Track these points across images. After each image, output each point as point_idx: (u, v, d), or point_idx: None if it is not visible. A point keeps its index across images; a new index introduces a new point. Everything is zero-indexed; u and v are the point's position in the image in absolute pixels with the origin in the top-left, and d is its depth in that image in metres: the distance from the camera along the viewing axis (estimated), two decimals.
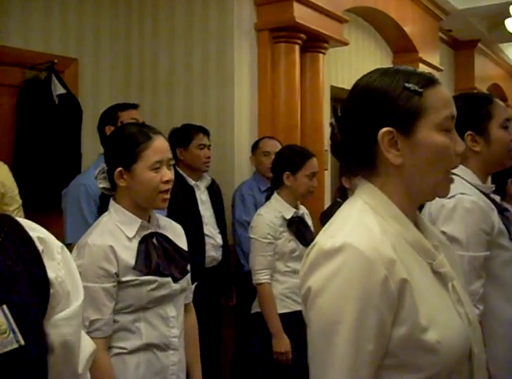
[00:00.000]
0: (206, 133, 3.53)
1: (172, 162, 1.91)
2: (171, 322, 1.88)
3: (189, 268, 2.00)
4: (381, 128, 1.09)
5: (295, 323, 2.83)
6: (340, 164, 3.92)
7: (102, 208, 1.94)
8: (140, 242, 1.84)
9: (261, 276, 2.86)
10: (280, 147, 3.46)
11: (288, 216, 2.90)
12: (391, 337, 1.01)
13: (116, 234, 1.83)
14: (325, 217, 3.56)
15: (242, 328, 3.61)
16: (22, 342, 0.76)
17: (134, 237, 1.84)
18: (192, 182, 3.47)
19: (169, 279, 1.86)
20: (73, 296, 0.90)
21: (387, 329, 1.01)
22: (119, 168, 1.83)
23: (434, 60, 6.48)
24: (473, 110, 1.89)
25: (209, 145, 3.53)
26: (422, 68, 5.52)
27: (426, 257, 1.12)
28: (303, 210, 3.04)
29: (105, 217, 1.89)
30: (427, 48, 6.30)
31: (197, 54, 4.05)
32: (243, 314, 3.42)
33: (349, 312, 0.99)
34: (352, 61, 5.50)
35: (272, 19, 4.00)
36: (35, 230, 0.89)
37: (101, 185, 1.92)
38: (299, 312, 2.80)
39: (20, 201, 3.01)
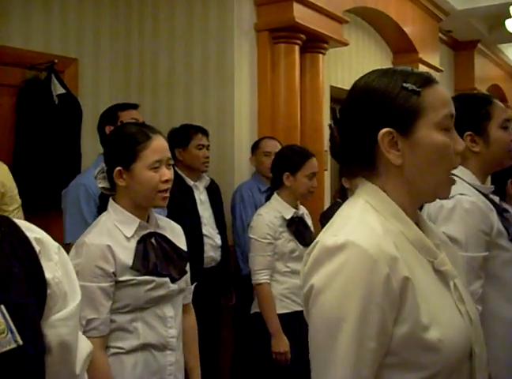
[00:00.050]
0: (205, 133, 3.53)
1: (171, 162, 1.91)
2: (169, 322, 1.88)
3: (187, 268, 2.00)
4: (380, 128, 1.09)
5: (294, 323, 2.83)
6: (340, 165, 3.93)
7: (101, 208, 1.94)
8: (138, 242, 1.84)
9: (260, 276, 2.86)
10: (280, 147, 3.46)
11: (288, 216, 2.90)
12: (393, 335, 1.01)
13: (114, 233, 1.83)
14: (325, 218, 3.55)
15: (241, 329, 3.61)
16: (20, 342, 0.76)
17: (133, 236, 1.84)
18: (191, 183, 3.47)
19: (167, 279, 1.86)
20: (70, 297, 0.90)
21: (389, 327, 1.01)
22: (118, 168, 1.83)
23: (434, 61, 6.49)
24: (472, 111, 1.89)
25: (208, 145, 3.53)
26: (422, 68, 5.52)
27: (427, 256, 1.12)
28: (302, 210, 3.04)
29: (104, 216, 1.89)
30: (427, 49, 6.31)
31: (197, 54, 4.05)
32: (243, 315, 3.42)
33: (352, 309, 0.99)
34: (351, 62, 5.51)
35: (272, 19, 4.00)
36: (32, 231, 0.89)
37: (100, 185, 1.92)
38: (299, 312, 2.84)
39: (20, 201, 3.02)
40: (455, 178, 1.16)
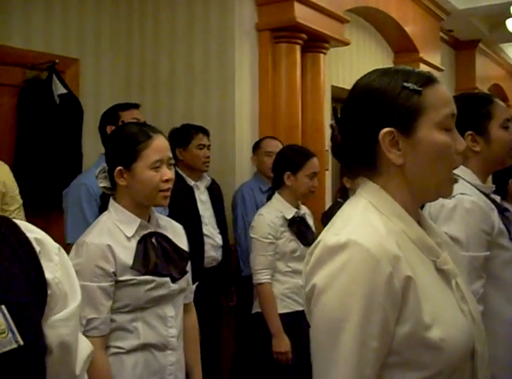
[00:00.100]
0: (206, 133, 3.54)
1: (172, 161, 1.91)
2: (170, 322, 1.88)
3: (188, 268, 2.00)
4: (381, 128, 1.09)
5: (295, 323, 2.83)
6: (340, 164, 3.93)
7: (103, 208, 1.94)
8: (139, 242, 1.84)
9: (261, 276, 2.86)
10: (281, 147, 3.46)
11: (289, 216, 2.90)
12: (395, 335, 1.01)
13: (115, 233, 1.83)
14: (326, 217, 3.55)
15: (242, 329, 3.61)
16: (21, 342, 0.76)
17: (133, 236, 1.85)
18: (192, 183, 3.47)
19: (167, 279, 1.86)
20: (71, 297, 0.90)
21: (391, 327, 1.01)
22: (119, 167, 1.83)
23: (435, 60, 6.49)
24: (473, 110, 1.89)
25: (209, 145, 3.53)
26: (423, 68, 5.51)
27: (429, 255, 1.11)
28: (304, 210, 3.03)
29: (104, 216, 1.89)
30: (428, 48, 6.31)
31: (198, 54, 4.05)
32: (244, 314, 3.42)
33: (355, 309, 0.99)
34: (352, 62, 5.51)
35: (273, 19, 4.00)
36: (32, 232, 0.89)
37: (102, 185, 1.92)
38: (300, 312, 2.83)
39: (21, 201, 3.02)
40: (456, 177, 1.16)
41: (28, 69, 3.68)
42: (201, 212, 3.43)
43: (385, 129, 1.09)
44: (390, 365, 1.03)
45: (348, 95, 1.18)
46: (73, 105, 3.80)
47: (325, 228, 1.14)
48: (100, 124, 2.92)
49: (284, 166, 2.93)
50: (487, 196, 1.90)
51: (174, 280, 1.88)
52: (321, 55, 4.44)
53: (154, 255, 1.84)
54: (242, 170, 3.93)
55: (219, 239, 3.52)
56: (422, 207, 1.92)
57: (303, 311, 1.18)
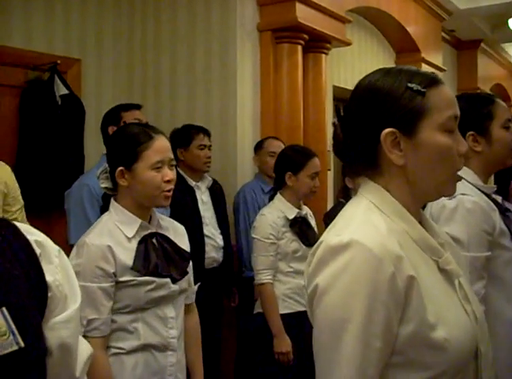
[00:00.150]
0: (207, 133, 3.54)
1: (174, 162, 1.91)
2: (170, 323, 1.88)
3: (190, 268, 2.00)
4: (383, 128, 1.09)
5: (297, 323, 2.84)
6: (342, 164, 3.94)
7: (104, 208, 1.94)
8: (139, 242, 1.84)
9: (263, 276, 2.86)
10: (283, 147, 3.46)
11: (291, 217, 2.90)
12: (398, 335, 1.01)
13: (115, 233, 1.83)
14: (328, 218, 3.55)
15: (244, 329, 3.61)
16: (22, 344, 0.76)
17: (134, 237, 1.84)
18: (193, 183, 3.47)
19: (168, 279, 1.86)
20: (71, 299, 0.90)
21: (394, 327, 1.00)
22: (120, 167, 1.83)
23: (437, 60, 6.48)
24: (475, 111, 1.89)
25: (210, 145, 3.53)
26: (425, 68, 5.51)
27: (432, 255, 1.11)
28: (306, 210, 3.03)
29: (105, 217, 1.89)
30: (430, 48, 6.30)
31: (200, 54, 4.06)
32: (245, 315, 3.43)
33: (357, 309, 0.99)
34: (354, 62, 5.50)
35: (275, 19, 4.01)
36: (33, 234, 0.89)
37: (103, 185, 1.92)
38: (301, 312, 2.83)
39: (23, 202, 3.02)
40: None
41: (30, 70, 3.68)
42: (202, 213, 3.43)
43: (387, 130, 1.08)
44: (394, 365, 1.03)
45: (351, 94, 1.17)
46: (74, 105, 3.81)
47: (327, 228, 1.14)
48: (102, 124, 2.92)
49: (285, 166, 2.93)
50: (488, 196, 1.90)
51: (174, 281, 1.88)
52: (323, 55, 4.44)
53: (154, 256, 1.84)
54: (243, 171, 3.93)
55: (220, 240, 3.52)
56: (423, 207, 1.93)
57: (304, 311, 1.18)
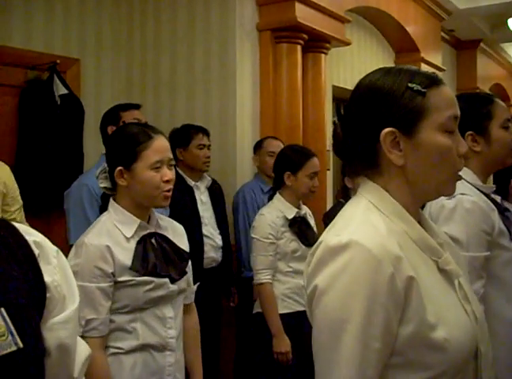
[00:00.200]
0: (206, 133, 3.54)
1: (173, 162, 1.90)
2: (169, 323, 1.88)
3: (189, 268, 1.99)
4: (383, 128, 1.08)
5: (296, 323, 2.84)
6: (342, 164, 3.93)
7: (103, 208, 1.94)
8: (138, 242, 1.84)
9: (262, 276, 2.86)
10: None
11: (290, 216, 2.90)
12: (398, 335, 1.01)
13: (114, 233, 1.83)
14: (328, 218, 3.55)
15: (243, 329, 3.61)
16: (20, 344, 0.76)
17: (132, 237, 1.84)
18: (192, 183, 3.47)
19: (166, 279, 1.86)
20: (69, 300, 0.90)
21: (394, 327, 1.00)
22: (119, 167, 1.83)
23: (437, 60, 6.48)
24: (474, 110, 1.89)
25: (209, 145, 3.53)
26: (424, 68, 5.52)
27: (431, 255, 1.11)
28: (305, 210, 3.03)
29: (104, 216, 1.89)
30: (429, 48, 6.31)
31: (199, 54, 4.06)
32: (244, 315, 3.43)
33: (356, 309, 0.99)
34: (354, 61, 5.50)
35: (274, 19, 4.01)
36: (31, 235, 0.89)
37: (102, 185, 1.92)
38: (301, 312, 2.83)
39: (21, 202, 3.02)
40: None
41: (29, 70, 3.68)
42: (201, 213, 3.43)
43: (387, 129, 1.08)
44: (393, 365, 1.02)
45: (352, 93, 1.17)
46: (74, 105, 3.81)
47: (327, 229, 1.14)
48: (101, 124, 2.92)
49: (284, 166, 2.93)
50: (487, 196, 1.90)
51: (173, 281, 1.88)
52: (322, 55, 4.44)
53: (153, 256, 1.84)
54: (243, 171, 3.93)
55: (219, 240, 3.52)
56: (422, 207, 1.93)
57: (304, 311, 1.18)
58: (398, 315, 1.01)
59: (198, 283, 2.14)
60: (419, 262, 1.07)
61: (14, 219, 2.87)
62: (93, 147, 3.77)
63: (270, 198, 3.05)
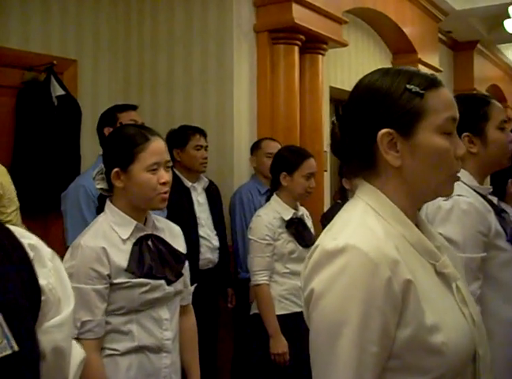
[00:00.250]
0: (203, 133, 3.54)
1: (170, 164, 1.90)
2: (165, 325, 1.87)
3: (185, 270, 1.99)
4: (381, 128, 1.08)
5: (293, 324, 2.83)
6: (339, 165, 3.94)
7: (100, 209, 1.94)
8: (134, 244, 1.83)
9: (259, 277, 2.86)
10: None
11: (287, 217, 2.89)
12: (396, 339, 1.00)
13: (110, 235, 1.82)
14: (325, 219, 3.55)
15: (240, 330, 3.61)
16: (16, 348, 0.76)
17: (129, 238, 1.84)
18: (189, 184, 3.47)
19: (162, 281, 1.85)
20: (64, 303, 0.90)
21: (391, 331, 1.00)
22: (116, 169, 1.82)
23: (434, 61, 6.49)
24: (470, 112, 1.89)
25: (206, 146, 3.53)
26: (421, 69, 5.53)
27: (429, 258, 1.11)
28: (302, 211, 3.03)
29: (100, 218, 1.88)
30: (426, 49, 6.31)
31: (197, 55, 4.06)
32: (242, 316, 3.42)
33: (353, 313, 0.98)
34: (351, 63, 5.51)
35: (272, 20, 4.01)
36: (26, 237, 0.89)
37: (99, 186, 1.92)
38: (298, 313, 2.83)
39: (18, 204, 3.01)
40: None
41: (26, 71, 3.67)
42: (197, 214, 3.43)
43: (384, 130, 1.08)
44: (391, 369, 1.02)
45: (350, 93, 1.17)
46: (71, 106, 3.80)
47: (324, 231, 1.14)
48: (98, 126, 2.92)
49: (280, 166, 2.93)
50: (484, 197, 1.90)
51: (169, 283, 1.87)
52: (320, 56, 4.44)
53: (149, 257, 1.83)
54: (240, 172, 3.93)
55: (215, 241, 3.51)
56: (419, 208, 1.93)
57: (301, 312, 1.17)
58: (396, 318, 1.00)
59: (195, 285, 2.14)
60: (416, 265, 1.07)
61: (10, 221, 2.86)
62: (90, 148, 3.76)
63: (267, 200, 3.04)
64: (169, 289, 1.88)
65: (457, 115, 1.12)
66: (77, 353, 0.94)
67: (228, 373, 3.75)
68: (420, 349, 1.01)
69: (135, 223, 1.86)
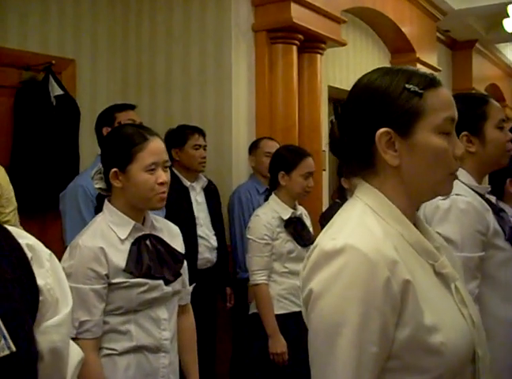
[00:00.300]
0: (202, 133, 3.53)
1: (168, 164, 1.90)
2: (163, 325, 1.87)
3: (184, 269, 1.98)
4: (379, 128, 1.08)
5: (292, 324, 2.83)
6: (338, 165, 3.93)
7: (98, 209, 1.94)
8: (132, 244, 1.83)
9: (257, 277, 2.86)
10: None
11: (286, 217, 2.89)
12: (394, 339, 1.00)
13: (108, 235, 1.82)
14: (324, 219, 3.55)
15: (239, 330, 3.61)
16: (13, 348, 0.76)
17: (127, 238, 1.84)
18: (187, 183, 3.47)
19: (160, 281, 1.85)
20: (62, 303, 0.90)
21: (390, 331, 1.00)
22: (114, 169, 1.82)
23: (432, 60, 6.49)
24: (469, 111, 1.89)
25: (205, 146, 3.53)
26: (420, 68, 5.52)
27: (428, 258, 1.11)
28: (301, 210, 3.03)
29: (99, 218, 1.88)
30: (425, 48, 6.31)
31: (195, 54, 4.05)
32: (240, 316, 3.42)
33: (352, 314, 0.98)
34: (349, 62, 5.51)
35: (270, 19, 4.00)
36: (24, 238, 0.89)
37: (97, 186, 1.91)
38: (297, 313, 2.84)
39: (16, 204, 3.00)
40: None
41: (25, 70, 3.67)
42: (196, 214, 3.43)
43: (382, 129, 1.08)
44: (390, 369, 1.02)
45: (350, 92, 1.17)
46: (69, 106, 3.80)
47: (323, 231, 1.14)
48: (96, 125, 2.91)
49: (278, 165, 2.93)
50: (482, 196, 1.90)
51: (167, 283, 1.87)
52: (318, 56, 4.44)
53: (147, 257, 1.83)
54: (238, 171, 3.93)
55: (214, 241, 3.51)
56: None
57: (300, 312, 1.17)
58: (395, 319, 1.00)
59: (194, 284, 2.14)
60: (415, 265, 1.07)
61: (8, 221, 2.86)
62: (89, 148, 3.76)
63: (266, 199, 3.04)
64: (167, 289, 1.88)
65: (456, 115, 1.12)
66: (75, 353, 0.93)
67: (227, 373, 3.75)
68: (419, 349, 1.01)
69: (133, 222, 1.85)
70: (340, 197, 3.70)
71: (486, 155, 1.92)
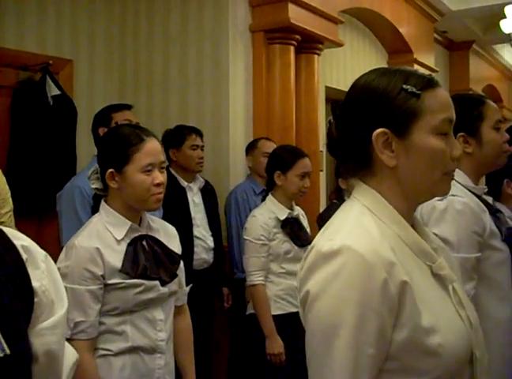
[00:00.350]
0: (199, 133, 3.53)
1: (165, 165, 1.89)
2: (159, 326, 1.87)
3: (180, 270, 1.98)
4: (376, 128, 1.08)
5: (289, 324, 2.83)
6: (335, 165, 3.93)
7: (95, 209, 1.93)
8: (129, 245, 1.83)
9: (254, 278, 2.85)
10: None
11: (282, 217, 2.89)
12: (392, 341, 1.00)
13: (104, 235, 1.82)
14: (321, 219, 3.55)
15: (236, 330, 3.61)
16: (7, 351, 0.76)
17: (123, 239, 1.83)
18: (185, 184, 3.46)
19: (156, 282, 1.85)
20: (57, 305, 0.89)
21: (388, 333, 1.00)
22: (111, 169, 1.82)
23: (429, 61, 6.50)
24: (465, 112, 1.88)
25: (202, 146, 3.52)
26: (417, 69, 5.52)
27: (425, 260, 1.11)
28: (298, 211, 3.02)
29: (95, 218, 1.88)
30: (422, 49, 6.32)
31: (192, 55, 4.05)
32: (237, 316, 3.42)
33: (349, 315, 0.98)
34: (346, 62, 5.51)
35: (267, 20, 4.01)
36: (19, 239, 0.88)
37: (94, 186, 1.91)
38: (294, 313, 2.83)
39: (12, 206, 2.99)
40: None
41: (22, 70, 3.66)
42: (192, 214, 3.42)
43: (379, 130, 1.08)
44: (388, 370, 1.02)
45: (347, 92, 1.17)
46: (66, 106, 3.80)
47: (320, 232, 1.14)
48: (93, 125, 2.91)
49: (275, 165, 2.93)
50: (479, 197, 1.90)
51: (163, 283, 1.87)
52: (315, 56, 4.44)
53: (143, 258, 1.83)
54: (236, 172, 3.93)
55: (210, 242, 3.50)
56: None
57: (297, 312, 1.17)
58: (392, 320, 1.00)
59: (191, 285, 2.13)
60: (412, 267, 1.07)
61: (4, 223, 2.85)
62: (86, 148, 3.75)
63: (263, 199, 3.04)
64: (163, 290, 1.87)
65: (454, 116, 1.12)
66: (70, 354, 0.93)
67: (224, 374, 3.75)
68: (417, 350, 1.01)
69: (130, 223, 1.85)
70: (337, 197, 3.71)
71: (483, 155, 1.92)
